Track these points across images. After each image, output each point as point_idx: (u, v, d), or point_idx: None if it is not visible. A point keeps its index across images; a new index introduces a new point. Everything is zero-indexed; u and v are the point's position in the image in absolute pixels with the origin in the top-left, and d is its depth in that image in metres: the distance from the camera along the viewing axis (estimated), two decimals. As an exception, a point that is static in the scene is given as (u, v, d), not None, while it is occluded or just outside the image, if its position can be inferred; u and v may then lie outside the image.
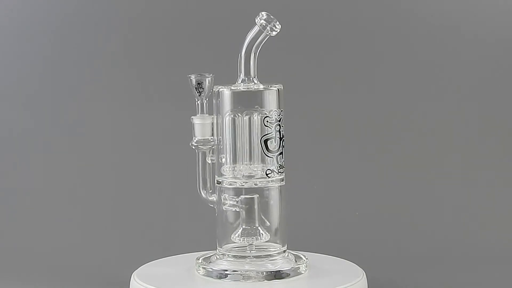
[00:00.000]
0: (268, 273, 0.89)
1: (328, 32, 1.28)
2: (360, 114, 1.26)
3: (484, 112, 1.26)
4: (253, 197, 0.90)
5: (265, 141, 0.89)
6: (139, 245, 1.13)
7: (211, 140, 0.92)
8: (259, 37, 0.89)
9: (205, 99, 0.91)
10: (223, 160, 0.91)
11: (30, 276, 1.03)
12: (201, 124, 0.92)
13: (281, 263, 0.90)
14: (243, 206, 0.90)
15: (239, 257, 0.91)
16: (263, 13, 0.89)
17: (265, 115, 0.89)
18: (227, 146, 0.90)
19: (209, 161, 0.92)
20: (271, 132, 0.89)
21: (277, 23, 0.89)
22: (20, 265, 1.07)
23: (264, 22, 0.89)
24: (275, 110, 0.90)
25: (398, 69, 1.27)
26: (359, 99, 1.27)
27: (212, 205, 0.93)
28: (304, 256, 0.93)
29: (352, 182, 1.23)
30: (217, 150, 0.91)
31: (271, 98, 0.90)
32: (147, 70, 1.27)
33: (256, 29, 0.89)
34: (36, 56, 1.28)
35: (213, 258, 0.92)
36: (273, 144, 0.90)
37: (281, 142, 0.90)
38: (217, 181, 0.92)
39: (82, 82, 1.27)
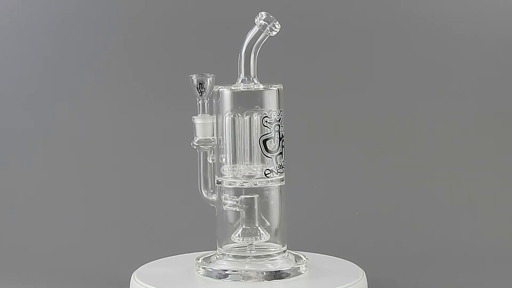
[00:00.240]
0: (268, 273, 0.89)
1: (328, 32, 1.28)
2: (360, 114, 1.26)
3: (484, 112, 1.26)
4: (253, 197, 0.90)
5: (264, 141, 0.89)
6: (139, 245, 1.13)
7: (212, 140, 0.92)
8: (259, 37, 0.89)
9: (207, 99, 0.91)
10: (223, 160, 0.91)
11: (30, 276, 1.03)
12: (202, 124, 0.92)
13: (281, 263, 0.90)
14: (243, 206, 0.90)
15: (239, 257, 0.91)
16: (262, 13, 0.89)
17: (264, 115, 0.89)
18: (227, 146, 0.90)
19: (210, 161, 0.92)
20: (270, 132, 0.89)
21: (277, 23, 0.89)
22: (20, 265, 1.07)
23: (264, 22, 0.89)
24: (274, 110, 0.90)
25: (398, 69, 1.27)
26: (359, 99, 1.27)
27: (213, 205, 0.93)
28: (304, 256, 0.93)
29: (352, 182, 1.23)
30: (217, 150, 0.91)
31: (271, 98, 0.90)
32: (147, 70, 1.27)
33: (255, 29, 0.89)
34: (36, 56, 1.28)
35: (213, 258, 0.92)
36: (272, 144, 0.90)
37: (281, 142, 0.90)
38: (217, 181, 0.92)
39: (82, 82, 1.27)
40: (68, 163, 1.25)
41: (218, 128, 0.91)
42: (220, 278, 0.89)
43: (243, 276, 0.89)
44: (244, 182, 0.90)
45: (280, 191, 0.91)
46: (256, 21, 0.89)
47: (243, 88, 0.90)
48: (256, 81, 0.90)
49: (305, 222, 1.16)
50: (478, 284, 1.01)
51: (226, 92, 0.90)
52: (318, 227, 1.17)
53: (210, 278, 0.90)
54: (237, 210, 0.90)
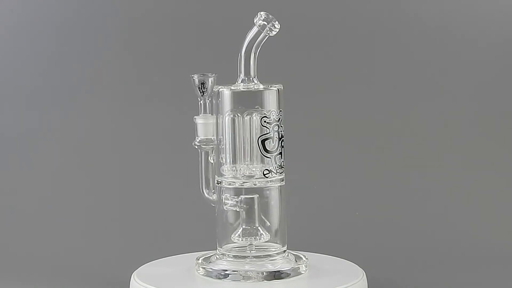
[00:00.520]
0: (268, 273, 0.89)
1: (328, 32, 1.28)
2: (360, 114, 1.26)
3: (484, 112, 1.26)
4: (253, 197, 0.90)
5: (263, 141, 0.89)
6: (139, 245, 1.13)
7: (214, 140, 0.92)
8: (259, 37, 0.89)
9: (208, 99, 0.91)
10: (223, 160, 0.91)
11: (30, 276, 1.03)
12: (204, 124, 0.92)
13: (281, 263, 0.90)
14: (243, 206, 0.90)
15: (239, 257, 0.91)
16: (261, 13, 0.89)
17: (263, 115, 0.89)
18: (227, 146, 0.90)
19: (212, 161, 0.92)
20: (269, 132, 0.89)
21: (276, 22, 0.89)
22: (20, 265, 1.07)
23: (263, 22, 0.89)
24: (273, 111, 0.90)
25: (398, 69, 1.27)
26: (359, 99, 1.27)
27: (214, 205, 0.93)
28: (304, 256, 0.93)
29: (352, 182, 1.23)
30: (217, 150, 0.91)
31: (271, 98, 0.90)
32: (147, 70, 1.27)
33: (255, 29, 0.89)
34: (37, 56, 1.28)
35: (213, 258, 0.92)
36: (271, 144, 0.90)
37: (280, 142, 0.90)
38: (217, 181, 0.92)
39: (83, 82, 1.27)
40: (68, 163, 1.25)
41: (218, 128, 0.91)
42: (220, 278, 0.89)
43: (243, 276, 0.89)
44: (244, 182, 0.90)
45: (280, 191, 0.91)
46: (255, 21, 0.89)
47: (243, 88, 0.90)
48: (256, 81, 0.90)
49: (305, 222, 1.16)
50: (478, 284, 1.01)
51: (226, 92, 0.90)
52: (318, 227, 1.17)
53: (210, 278, 0.90)
54: (237, 210, 0.90)
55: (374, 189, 1.22)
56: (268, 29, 0.89)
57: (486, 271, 1.05)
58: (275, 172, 0.90)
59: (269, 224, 0.91)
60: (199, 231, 1.12)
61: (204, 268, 0.91)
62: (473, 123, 1.26)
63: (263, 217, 0.91)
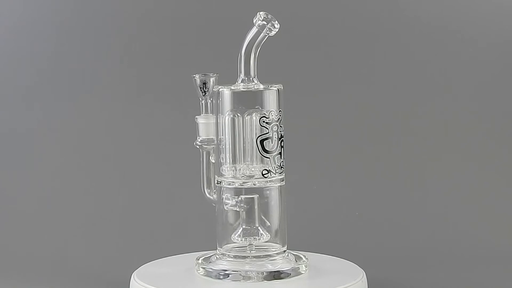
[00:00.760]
0: (268, 273, 0.89)
1: (328, 32, 1.28)
2: (360, 114, 1.26)
3: (484, 112, 1.26)
4: (253, 197, 0.90)
5: (261, 141, 0.89)
6: (139, 245, 1.13)
7: (215, 139, 0.92)
8: (258, 37, 0.89)
9: (210, 99, 0.92)
10: (223, 160, 0.91)
11: (30, 276, 1.03)
12: (205, 124, 0.92)
13: (281, 263, 0.90)
14: (243, 206, 0.90)
15: (239, 257, 0.91)
16: (260, 13, 0.89)
17: (262, 115, 0.89)
18: (227, 146, 0.90)
19: (213, 161, 0.93)
20: (268, 132, 0.89)
21: (276, 22, 0.89)
22: (20, 265, 1.07)
23: (262, 22, 0.89)
24: (273, 111, 0.89)
25: (398, 69, 1.27)
26: (359, 99, 1.27)
27: (215, 205, 0.93)
28: (304, 256, 0.93)
29: (352, 182, 1.23)
30: (217, 150, 0.91)
31: (271, 98, 0.90)
32: (148, 70, 1.27)
33: (254, 29, 0.89)
34: (37, 56, 1.28)
35: (213, 258, 0.92)
36: (270, 145, 0.90)
37: (280, 142, 0.90)
38: (217, 181, 0.92)
39: (83, 82, 1.27)
40: (68, 163, 1.25)
41: (218, 128, 0.91)
42: (220, 278, 0.89)
43: (243, 276, 0.89)
44: (244, 182, 0.90)
45: (280, 191, 0.91)
46: (254, 21, 0.89)
47: (243, 88, 0.90)
48: (256, 81, 0.90)
49: (305, 222, 1.16)
50: (478, 284, 1.01)
51: (226, 92, 0.90)
52: (318, 227, 1.17)
53: (210, 278, 0.90)
54: (237, 210, 0.90)
55: (374, 189, 1.22)
56: (267, 29, 0.89)
57: (486, 271, 1.05)
58: (274, 172, 0.90)
59: (269, 224, 0.91)
60: (199, 231, 1.12)
61: (204, 268, 0.91)
62: (473, 123, 1.26)
63: (263, 217, 0.91)
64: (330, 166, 1.24)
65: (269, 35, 0.89)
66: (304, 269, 0.91)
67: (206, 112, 0.92)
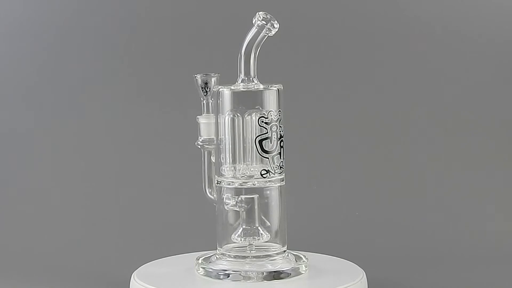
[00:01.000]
0: (268, 273, 0.89)
1: (328, 32, 1.28)
2: (360, 114, 1.26)
3: (484, 113, 1.26)
4: (253, 197, 0.90)
5: (260, 142, 0.89)
6: (139, 245, 1.13)
7: (216, 139, 0.92)
8: (258, 37, 0.89)
9: (211, 99, 0.92)
10: (223, 160, 0.91)
11: (30, 276, 1.03)
12: (206, 124, 0.92)
13: (281, 263, 0.90)
14: (243, 206, 0.90)
15: (239, 257, 0.91)
16: (260, 13, 0.89)
17: (261, 115, 0.89)
18: (227, 146, 0.90)
19: (214, 161, 0.93)
20: (267, 133, 0.89)
21: (275, 22, 0.88)
22: (20, 265, 1.07)
23: (261, 22, 0.88)
24: (272, 111, 0.89)
25: (398, 69, 1.27)
26: (359, 99, 1.27)
27: (215, 204, 0.93)
28: (304, 256, 0.93)
29: (352, 182, 1.23)
30: (217, 150, 0.91)
31: (270, 98, 0.90)
32: (147, 70, 1.27)
33: (254, 29, 0.89)
34: (37, 56, 1.28)
35: (213, 258, 0.92)
36: (269, 145, 0.89)
37: (279, 142, 0.90)
38: (217, 181, 0.92)
39: (83, 82, 1.27)
40: (68, 163, 1.25)
41: (218, 128, 0.91)
42: (220, 278, 0.89)
43: (243, 276, 0.89)
44: (243, 182, 0.90)
45: (280, 191, 0.91)
46: (254, 21, 0.89)
47: (243, 88, 0.90)
48: (256, 81, 0.90)
49: (305, 222, 1.16)
50: (478, 284, 1.01)
51: (226, 92, 0.90)
52: (318, 227, 1.17)
53: (210, 278, 0.90)
54: (237, 209, 0.90)
55: (374, 189, 1.22)
56: (267, 29, 0.89)
57: (486, 271, 1.05)
58: (273, 172, 0.90)
59: (269, 224, 0.91)
60: (199, 231, 1.12)
61: (204, 268, 0.91)
62: (473, 123, 1.26)
63: (263, 217, 0.91)
64: (330, 166, 1.24)
65: (269, 35, 0.89)
66: (304, 269, 0.91)
67: (208, 112, 0.92)
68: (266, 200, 0.90)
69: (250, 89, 0.90)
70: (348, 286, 0.88)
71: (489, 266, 1.06)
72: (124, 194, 1.22)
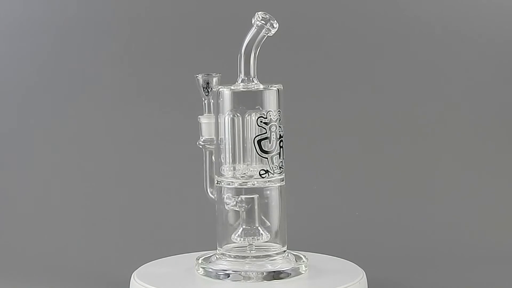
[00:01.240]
0: (268, 273, 0.89)
1: (328, 32, 1.28)
2: (360, 114, 1.26)
3: (484, 113, 1.26)
4: (253, 197, 0.90)
5: (259, 142, 0.89)
6: (139, 245, 1.13)
7: (217, 139, 0.92)
8: (257, 37, 0.89)
9: (212, 99, 0.92)
10: (223, 160, 0.91)
11: (29, 276, 1.03)
12: (208, 124, 0.92)
13: (281, 263, 0.90)
14: (243, 206, 0.90)
15: (239, 257, 0.91)
16: (259, 13, 0.89)
17: (260, 115, 0.89)
18: (227, 146, 0.90)
19: (214, 160, 0.93)
20: (265, 133, 0.89)
21: (275, 22, 0.88)
22: (20, 265, 1.07)
23: (260, 22, 0.88)
24: (271, 111, 0.89)
25: (398, 69, 1.27)
26: (359, 99, 1.27)
27: (216, 204, 0.93)
28: (304, 256, 0.93)
29: (352, 182, 1.23)
30: (217, 150, 0.91)
31: (270, 98, 0.90)
32: (147, 70, 1.27)
33: (253, 29, 0.89)
34: (37, 56, 1.28)
35: (213, 258, 0.92)
36: (268, 145, 0.89)
37: (279, 142, 0.90)
38: (217, 181, 0.92)
39: (83, 82, 1.27)
40: (68, 163, 1.25)
41: (218, 128, 0.91)
42: (220, 278, 0.89)
43: (243, 276, 0.89)
44: (243, 182, 0.90)
45: (280, 191, 0.91)
46: (253, 21, 0.89)
47: (243, 88, 0.90)
48: (256, 81, 0.90)
49: (305, 222, 1.16)
50: (478, 284, 1.01)
51: (226, 92, 0.90)
52: (318, 227, 1.17)
53: (210, 278, 0.90)
54: (237, 209, 0.90)
55: (374, 189, 1.22)
56: (266, 29, 0.89)
57: (486, 271, 1.05)
58: (272, 172, 0.90)
59: (269, 224, 0.91)
60: (199, 231, 1.12)
61: (204, 268, 0.91)
62: (473, 123, 1.26)
63: (263, 217, 0.91)
64: (330, 166, 1.24)
65: (268, 35, 0.89)
66: (304, 269, 0.91)
67: (209, 112, 0.92)
68: (266, 200, 0.91)
69: (250, 89, 0.90)
70: (348, 286, 0.88)
71: (489, 266, 1.06)
72: (124, 194, 1.22)
